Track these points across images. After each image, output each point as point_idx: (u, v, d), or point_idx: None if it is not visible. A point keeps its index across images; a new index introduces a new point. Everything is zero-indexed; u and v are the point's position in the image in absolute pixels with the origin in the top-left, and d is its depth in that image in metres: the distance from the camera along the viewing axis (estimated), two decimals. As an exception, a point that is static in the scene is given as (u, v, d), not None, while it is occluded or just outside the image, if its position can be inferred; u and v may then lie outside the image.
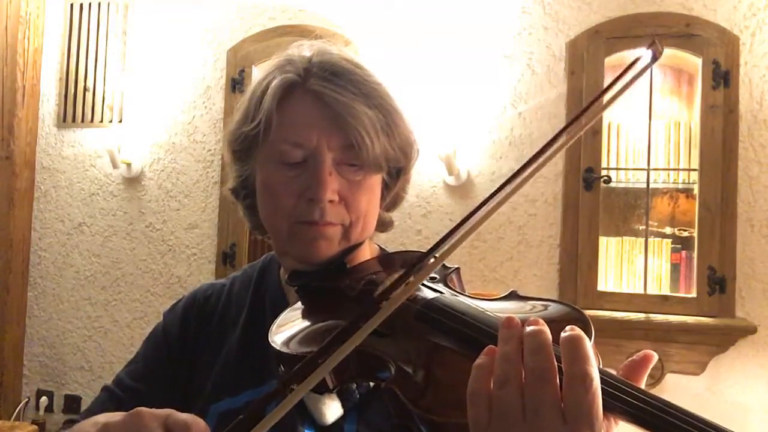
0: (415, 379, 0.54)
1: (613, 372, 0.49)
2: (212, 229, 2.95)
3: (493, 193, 0.55)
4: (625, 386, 0.47)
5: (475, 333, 0.54)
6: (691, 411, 0.45)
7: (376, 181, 0.78)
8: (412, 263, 0.57)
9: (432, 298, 0.61)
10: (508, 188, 0.53)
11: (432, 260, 0.56)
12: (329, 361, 0.49)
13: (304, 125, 0.74)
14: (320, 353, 0.51)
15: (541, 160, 0.53)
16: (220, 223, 2.93)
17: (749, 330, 2.34)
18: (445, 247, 0.55)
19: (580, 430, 0.44)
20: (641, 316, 2.40)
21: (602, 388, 0.45)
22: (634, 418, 0.45)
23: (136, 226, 3.06)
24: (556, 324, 0.48)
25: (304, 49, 0.78)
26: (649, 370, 0.50)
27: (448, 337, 0.56)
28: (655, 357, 0.51)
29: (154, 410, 0.53)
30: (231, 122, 0.80)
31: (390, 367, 0.56)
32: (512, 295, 0.62)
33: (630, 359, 0.50)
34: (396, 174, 0.81)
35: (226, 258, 2.88)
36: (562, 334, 0.46)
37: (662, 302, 2.44)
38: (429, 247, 0.59)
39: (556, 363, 0.46)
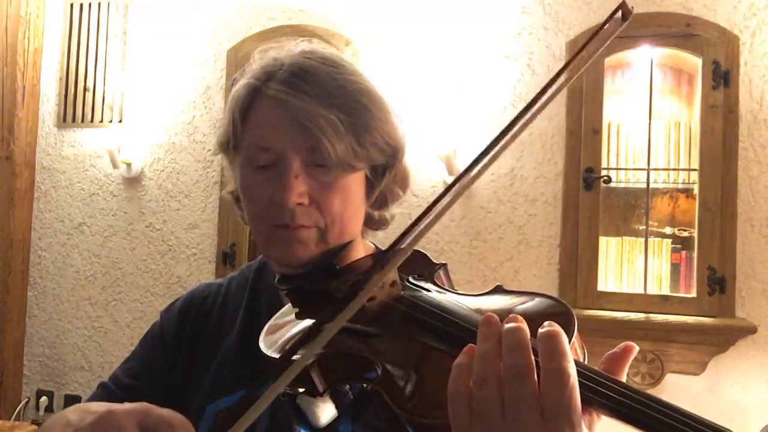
0: (401, 381, 0.54)
1: (594, 367, 0.49)
2: (212, 229, 2.95)
3: (452, 183, 0.56)
4: (605, 380, 0.47)
5: (459, 332, 0.54)
6: (671, 403, 0.45)
7: (351, 181, 0.76)
8: (380, 257, 0.57)
9: (416, 297, 0.61)
10: (463, 180, 0.53)
11: (399, 252, 0.55)
12: (301, 359, 0.49)
13: (268, 129, 0.74)
14: (290, 352, 0.50)
15: (508, 136, 0.54)
16: (220, 223, 2.93)
17: (749, 330, 2.34)
18: (411, 237, 0.54)
19: (558, 426, 0.44)
20: (641, 316, 2.40)
21: (581, 382, 0.45)
22: (613, 412, 0.45)
23: (136, 226, 3.06)
24: (537, 318, 0.48)
25: (279, 51, 0.79)
26: (629, 362, 0.50)
27: (433, 337, 0.56)
28: (636, 349, 0.51)
29: (128, 408, 0.50)
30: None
31: (377, 369, 0.55)
32: (497, 290, 0.62)
33: (611, 351, 0.50)
34: (381, 171, 0.79)
35: (226, 258, 2.88)
36: (540, 330, 0.46)
37: (662, 302, 2.44)
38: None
39: (533, 360, 0.46)
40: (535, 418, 0.44)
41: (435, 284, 0.67)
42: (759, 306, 2.41)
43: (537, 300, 0.57)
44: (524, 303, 0.57)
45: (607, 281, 2.58)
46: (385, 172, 0.80)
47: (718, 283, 2.38)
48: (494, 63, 2.67)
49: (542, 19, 2.65)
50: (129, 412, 0.50)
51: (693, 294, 2.42)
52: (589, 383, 0.46)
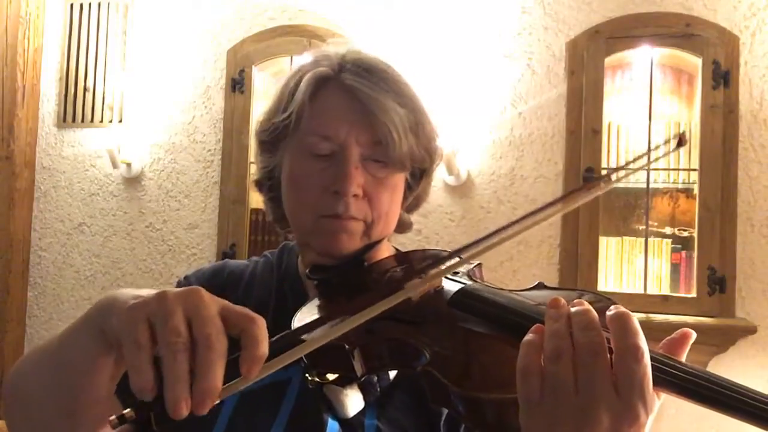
0: (453, 362, 0.55)
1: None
2: (212, 229, 2.95)
3: (539, 208, 0.58)
4: (671, 360, 0.48)
5: (514, 317, 0.56)
6: (735, 382, 0.46)
7: (399, 180, 0.79)
8: (440, 258, 0.59)
9: (465, 286, 0.63)
10: (554, 208, 0.55)
11: (456, 260, 0.58)
12: (348, 322, 0.49)
13: (334, 118, 0.75)
14: (339, 321, 0.51)
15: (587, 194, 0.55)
16: (220, 223, 2.93)
17: (749, 330, 2.34)
18: (472, 251, 0.56)
19: (633, 403, 0.45)
20: (641, 316, 2.40)
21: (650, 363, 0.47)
22: (681, 390, 0.47)
23: (136, 226, 3.06)
24: (593, 308, 0.50)
25: (338, 47, 0.80)
26: (688, 348, 0.51)
27: (484, 323, 0.57)
28: (694, 335, 0.52)
29: (212, 295, 0.48)
30: (261, 113, 0.81)
31: (424, 353, 0.56)
32: (540, 286, 0.64)
33: (668, 338, 0.52)
34: (419, 175, 0.82)
35: (225, 258, 2.88)
36: (608, 313, 0.48)
37: (662, 302, 2.44)
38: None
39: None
40: (609, 393, 0.45)
41: (473, 280, 0.69)
42: (759, 306, 2.41)
43: (586, 295, 0.59)
44: (577, 297, 0.59)
45: (607, 281, 2.58)
46: (422, 176, 0.83)
47: (718, 283, 2.38)
48: (494, 63, 2.67)
49: (542, 19, 2.65)
50: (213, 298, 0.47)
51: (693, 294, 2.42)
52: (657, 363, 0.47)
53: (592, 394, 0.45)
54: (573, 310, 0.49)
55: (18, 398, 0.64)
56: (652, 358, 0.47)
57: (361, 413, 0.70)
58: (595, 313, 0.48)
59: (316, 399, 0.71)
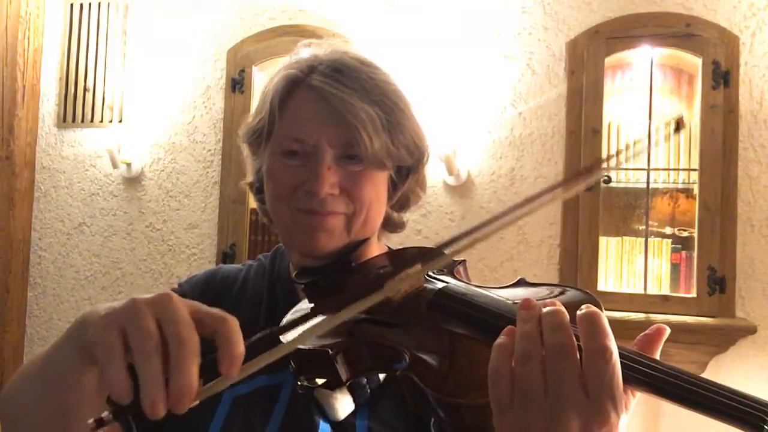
0: (431, 366, 0.54)
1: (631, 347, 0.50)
2: (212, 229, 2.95)
3: (521, 202, 0.57)
4: (642, 358, 0.48)
5: (490, 318, 0.55)
6: (707, 378, 0.46)
7: (379, 177, 0.78)
8: (421, 255, 0.59)
9: (442, 287, 0.62)
10: (534, 203, 0.54)
11: (440, 255, 0.58)
12: (323, 322, 0.49)
13: (304, 120, 0.75)
14: (319, 321, 0.51)
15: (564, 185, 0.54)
16: (220, 223, 2.93)
17: (749, 330, 2.34)
18: (455, 246, 0.55)
19: (602, 404, 0.45)
20: (641, 316, 2.40)
21: (621, 362, 0.46)
22: (653, 388, 0.46)
23: (136, 226, 3.06)
24: (569, 307, 0.49)
25: (317, 48, 0.80)
26: (662, 344, 0.51)
27: (461, 324, 0.57)
28: (668, 330, 0.51)
29: (181, 298, 0.49)
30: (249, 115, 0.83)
31: (404, 356, 0.56)
32: (521, 282, 0.64)
33: (643, 333, 0.51)
34: (405, 173, 0.81)
35: (225, 258, 2.88)
36: (579, 312, 0.48)
37: (662, 302, 2.44)
38: (431, 246, 0.60)
39: (575, 340, 0.47)
40: (578, 395, 0.45)
41: (455, 278, 0.68)
42: (759, 306, 2.41)
43: (562, 289, 0.59)
44: (554, 294, 0.59)
45: (607, 281, 2.58)
46: (408, 175, 0.82)
47: (718, 283, 2.38)
48: (494, 63, 2.67)
49: (542, 19, 2.65)
50: (183, 300, 0.48)
51: (693, 294, 2.42)
52: (628, 362, 0.47)
53: (560, 397, 0.45)
54: (544, 311, 0.48)
55: (10, 418, 0.64)
56: (623, 356, 0.47)
57: (352, 415, 0.70)
58: (565, 314, 0.48)
59: (306, 403, 0.71)
